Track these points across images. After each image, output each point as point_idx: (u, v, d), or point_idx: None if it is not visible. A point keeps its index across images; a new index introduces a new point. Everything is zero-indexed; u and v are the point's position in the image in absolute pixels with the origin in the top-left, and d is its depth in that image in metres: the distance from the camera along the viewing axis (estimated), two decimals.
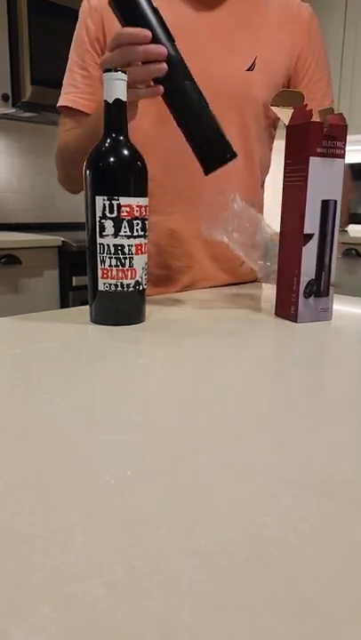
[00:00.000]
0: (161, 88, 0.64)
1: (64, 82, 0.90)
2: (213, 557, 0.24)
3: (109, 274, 0.62)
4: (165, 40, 0.64)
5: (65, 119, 0.90)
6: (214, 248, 0.94)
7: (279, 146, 1.00)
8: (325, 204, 0.66)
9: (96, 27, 0.85)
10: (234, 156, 0.67)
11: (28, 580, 0.22)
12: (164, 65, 0.63)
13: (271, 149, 0.99)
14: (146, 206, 0.63)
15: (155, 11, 0.64)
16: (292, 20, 0.90)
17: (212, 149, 0.67)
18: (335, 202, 0.66)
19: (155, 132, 0.84)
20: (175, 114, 0.66)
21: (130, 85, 0.62)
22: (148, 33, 0.62)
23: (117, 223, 0.61)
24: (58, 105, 0.90)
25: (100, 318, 0.65)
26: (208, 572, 0.23)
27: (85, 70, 0.87)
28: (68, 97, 0.88)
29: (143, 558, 0.23)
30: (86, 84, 0.87)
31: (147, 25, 0.63)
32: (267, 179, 1.02)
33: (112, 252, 0.62)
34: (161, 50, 0.62)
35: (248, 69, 0.86)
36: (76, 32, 0.89)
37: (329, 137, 0.64)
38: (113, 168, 0.61)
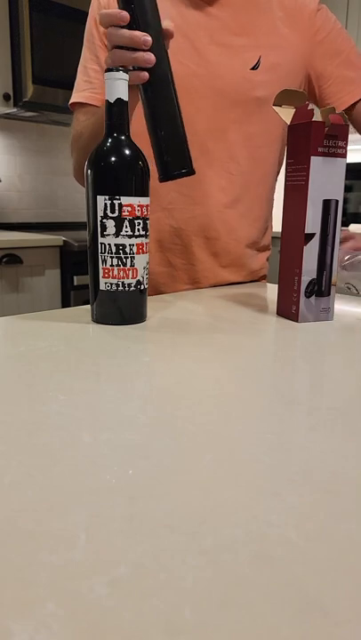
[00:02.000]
0: (145, 74, 0.63)
1: (77, 79, 0.89)
2: (218, 556, 0.24)
3: (111, 273, 0.63)
4: (156, 38, 0.64)
5: (78, 114, 0.89)
6: (215, 245, 0.94)
7: None
8: (327, 203, 0.66)
9: None
10: (192, 172, 0.67)
11: (33, 578, 0.22)
12: (152, 56, 0.63)
13: (284, 145, 0.98)
14: (147, 206, 0.63)
15: (154, 13, 0.64)
16: (297, 14, 0.89)
17: (174, 159, 0.66)
18: (336, 201, 0.66)
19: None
20: (148, 112, 0.66)
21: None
22: (126, 13, 0.62)
23: (119, 223, 0.61)
24: (72, 102, 0.89)
25: (101, 318, 0.65)
26: (212, 571, 0.23)
27: (99, 65, 0.86)
28: (82, 94, 0.87)
29: (147, 556, 0.24)
30: (100, 79, 0.86)
31: (140, 18, 0.63)
32: None
33: (113, 251, 0.62)
34: (147, 38, 0.62)
35: (252, 68, 0.86)
36: (86, 30, 0.88)
37: (330, 136, 0.64)
38: (114, 167, 0.61)
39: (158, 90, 0.65)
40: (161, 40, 0.65)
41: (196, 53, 0.85)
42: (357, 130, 0.95)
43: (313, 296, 0.68)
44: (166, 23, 0.65)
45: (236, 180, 0.92)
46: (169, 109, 0.66)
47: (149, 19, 0.64)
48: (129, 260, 0.62)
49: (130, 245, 0.62)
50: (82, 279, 2.05)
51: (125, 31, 0.63)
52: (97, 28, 0.86)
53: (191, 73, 0.84)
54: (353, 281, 0.77)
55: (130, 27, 0.63)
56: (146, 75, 0.64)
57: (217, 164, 0.89)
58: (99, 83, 0.86)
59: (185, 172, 0.66)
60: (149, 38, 0.63)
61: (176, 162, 0.66)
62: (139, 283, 0.64)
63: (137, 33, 0.62)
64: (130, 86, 0.62)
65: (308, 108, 0.65)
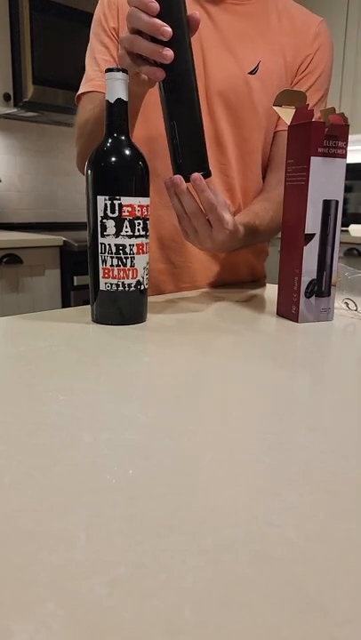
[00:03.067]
0: (162, 72, 0.61)
1: (87, 70, 0.87)
2: (218, 556, 0.24)
3: (111, 273, 0.63)
4: (180, 29, 0.61)
5: (85, 103, 0.87)
6: None
7: None
8: (327, 203, 0.66)
9: (113, 19, 0.85)
10: (208, 175, 0.66)
11: (33, 578, 0.22)
12: (170, 53, 0.60)
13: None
14: (147, 206, 0.63)
15: (181, 6, 0.61)
16: (301, 33, 0.90)
17: (191, 161, 0.65)
18: (337, 202, 0.66)
19: (156, 131, 0.84)
20: (168, 109, 0.64)
21: (131, 54, 0.61)
22: (156, 5, 0.59)
23: (119, 223, 0.61)
24: (81, 91, 0.87)
25: (101, 318, 0.65)
26: (212, 571, 0.23)
27: (109, 56, 0.85)
28: (93, 82, 0.85)
29: (147, 556, 0.24)
30: None
31: (168, 8, 0.60)
32: None
33: (113, 251, 0.62)
34: (166, 28, 0.59)
35: (250, 73, 0.86)
36: (94, 21, 0.87)
37: (330, 137, 0.64)
38: (114, 168, 0.61)
39: (176, 89, 0.63)
40: (186, 37, 0.61)
41: (198, 55, 0.84)
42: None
43: (313, 296, 0.68)
44: (193, 12, 0.62)
45: (231, 182, 0.92)
46: (186, 110, 0.64)
47: (174, 11, 0.60)
48: (129, 261, 0.62)
49: (130, 245, 0.62)
50: (82, 279, 2.05)
51: (146, 16, 0.59)
52: (107, 22, 0.86)
53: None
54: (352, 297, 0.78)
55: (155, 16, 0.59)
56: (161, 74, 0.61)
57: (213, 166, 0.89)
58: None
59: (203, 175, 0.65)
60: (169, 29, 0.59)
61: (191, 164, 0.65)
62: (139, 283, 0.64)
63: (157, 21, 0.59)
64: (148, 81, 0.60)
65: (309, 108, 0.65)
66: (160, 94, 0.65)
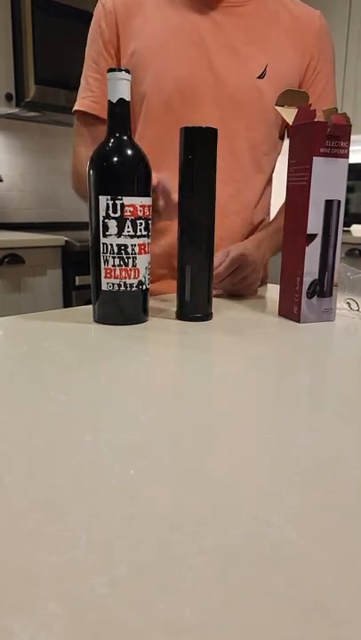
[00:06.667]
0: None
1: (81, 85, 0.90)
2: (218, 556, 0.24)
3: (113, 273, 0.63)
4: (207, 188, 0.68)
5: (80, 127, 0.91)
6: (219, 250, 0.94)
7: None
8: (329, 203, 0.66)
9: (110, 30, 0.86)
10: (207, 318, 0.69)
11: (33, 578, 0.22)
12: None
13: (279, 153, 0.99)
14: (149, 206, 0.63)
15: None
16: (303, 29, 0.90)
17: (195, 305, 0.69)
18: (339, 202, 0.66)
19: (167, 137, 0.84)
20: (182, 251, 0.68)
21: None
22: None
23: (121, 223, 0.61)
24: (73, 109, 0.91)
25: (103, 318, 0.65)
26: (213, 571, 0.23)
27: (99, 74, 0.87)
28: (83, 101, 0.88)
29: (148, 556, 0.24)
30: (99, 88, 0.87)
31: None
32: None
33: (115, 251, 0.62)
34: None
35: (259, 77, 0.86)
36: (90, 35, 0.89)
37: (333, 137, 0.64)
38: (116, 168, 0.61)
39: (194, 234, 0.67)
40: (212, 195, 0.68)
41: (205, 61, 0.85)
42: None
43: (315, 297, 0.68)
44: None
45: (243, 187, 0.92)
46: (200, 257, 0.68)
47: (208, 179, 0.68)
48: (131, 261, 0.62)
49: (132, 245, 0.62)
50: (83, 279, 2.05)
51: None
52: (101, 35, 0.86)
53: (200, 80, 0.84)
54: (353, 297, 0.78)
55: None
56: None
57: (225, 172, 0.90)
58: (98, 91, 0.87)
59: (199, 317, 0.68)
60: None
61: (194, 307, 0.68)
62: (141, 283, 0.64)
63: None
64: None
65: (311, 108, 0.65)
66: (178, 237, 0.69)
